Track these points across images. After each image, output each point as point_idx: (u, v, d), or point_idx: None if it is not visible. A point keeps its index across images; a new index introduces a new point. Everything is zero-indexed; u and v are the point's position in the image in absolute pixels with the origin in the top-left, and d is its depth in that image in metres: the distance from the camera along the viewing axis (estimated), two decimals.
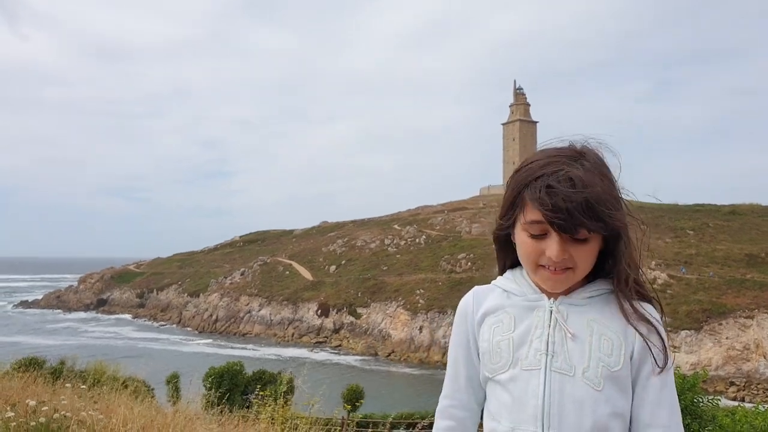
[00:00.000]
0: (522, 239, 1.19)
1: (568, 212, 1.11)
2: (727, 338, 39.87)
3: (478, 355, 1.28)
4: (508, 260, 1.31)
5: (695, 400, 7.65)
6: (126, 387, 8.03)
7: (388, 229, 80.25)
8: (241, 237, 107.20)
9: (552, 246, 1.14)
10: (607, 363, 1.13)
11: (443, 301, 55.62)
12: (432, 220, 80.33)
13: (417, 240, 73.43)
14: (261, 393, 7.43)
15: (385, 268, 68.01)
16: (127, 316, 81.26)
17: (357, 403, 16.33)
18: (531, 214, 1.15)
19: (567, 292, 1.21)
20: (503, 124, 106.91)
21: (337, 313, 62.76)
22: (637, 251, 1.26)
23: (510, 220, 1.23)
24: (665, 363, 1.13)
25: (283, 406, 7.31)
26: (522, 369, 1.17)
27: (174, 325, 73.10)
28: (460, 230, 74.04)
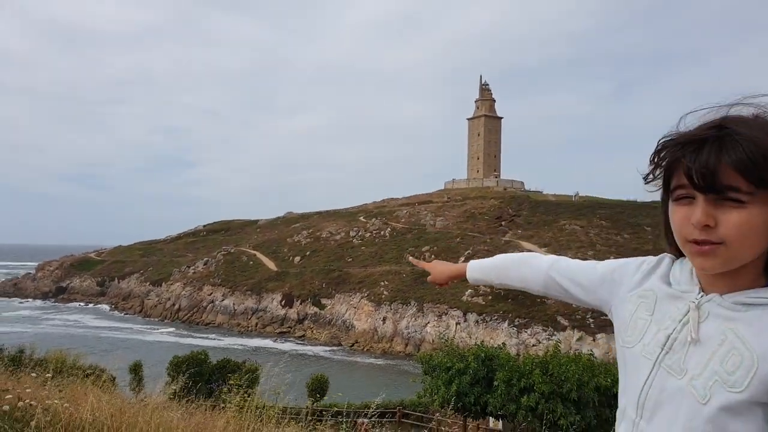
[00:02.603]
0: (671, 210, 1.04)
1: (707, 159, 0.94)
2: None
3: (601, 290, 1.28)
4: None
5: None
6: (88, 376, 7.95)
7: (354, 221, 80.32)
8: (204, 226, 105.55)
9: (696, 210, 0.98)
10: (725, 379, 0.97)
11: (407, 292, 56.13)
12: (397, 212, 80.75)
13: (382, 232, 73.73)
14: (231, 382, 7.47)
15: (350, 260, 68.10)
16: (88, 305, 79.21)
17: (321, 393, 16.44)
18: (675, 179, 1.01)
19: (729, 290, 1.03)
20: (468, 119, 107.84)
21: (301, 303, 62.62)
22: None
23: (664, 196, 1.07)
24: None
25: (250, 395, 7.36)
26: (641, 354, 1.11)
27: (136, 314, 71.66)
28: (424, 223, 74.66)
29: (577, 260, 1.40)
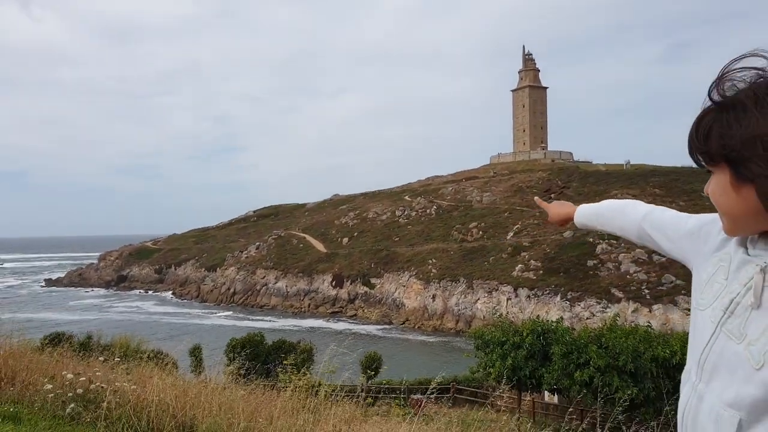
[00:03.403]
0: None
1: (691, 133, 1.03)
2: None
3: (688, 246, 1.25)
4: None
5: None
6: (151, 360, 8.32)
7: (399, 200, 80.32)
8: (254, 212, 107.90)
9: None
10: None
11: (455, 270, 55.94)
12: (443, 190, 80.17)
13: (428, 210, 73.46)
14: (286, 362, 7.66)
15: (396, 239, 68.31)
16: (148, 292, 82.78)
17: (375, 370, 16.68)
18: None
19: None
20: (513, 91, 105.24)
21: (351, 283, 63.43)
22: None
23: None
24: None
25: (304, 374, 7.53)
26: (708, 317, 1.10)
27: (193, 300, 74.40)
28: (470, 199, 73.89)
29: (674, 211, 1.38)
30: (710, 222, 1.20)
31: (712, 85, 1.02)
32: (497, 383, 17.38)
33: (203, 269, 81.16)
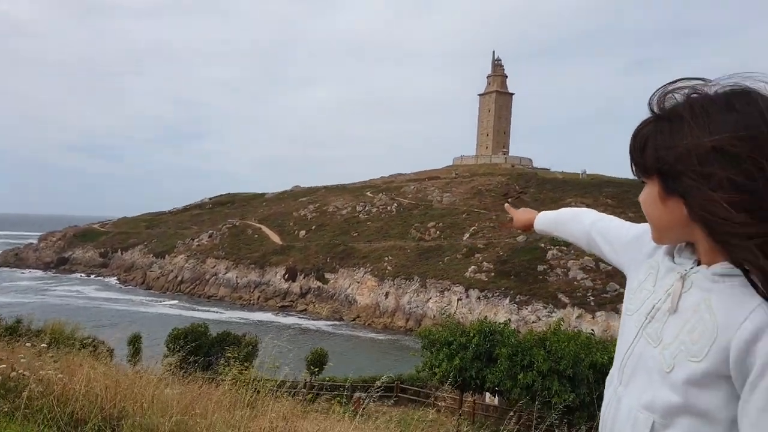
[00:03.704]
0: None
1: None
2: None
3: (623, 254, 1.30)
4: None
5: None
6: (84, 347, 7.97)
7: (361, 195, 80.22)
8: (210, 199, 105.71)
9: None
10: (689, 349, 0.96)
11: (411, 268, 56.32)
12: (405, 188, 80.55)
13: (389, 207, 73.68)
14: (229, 355, 7.49)
15: (355, 235, 68.23)
16: (90, 276, 79.90)
17: (320, 367, 16.56)
18: None
19: (717, 261, 1.00)
20: (480, 95, 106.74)
21: (304, 277, 62.97)
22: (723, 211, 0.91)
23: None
24: (758, 380, 0.87)
25: (247, 368, 7.37)
26: (633, 322, 1.12)
27: (138, 287, 72.27)
28: (431, 199, 74.53)
29: (619, 220, 1.43)
30: (645, 232, 1.22)
31: (651, 98, 1.03)
32: (441, 383, 17.54)
33: (151, 255, 78.94)
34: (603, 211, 1.54)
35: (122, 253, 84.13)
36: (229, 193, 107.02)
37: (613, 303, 43.25)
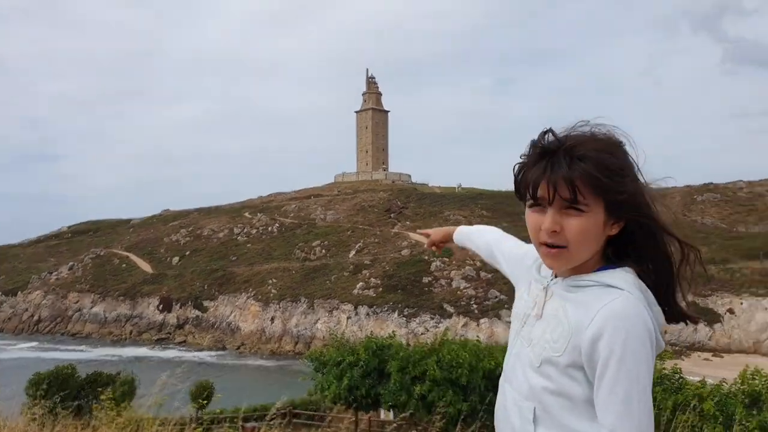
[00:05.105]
0: (527, 215, 1.24)
1: (551, 166, 1.15)
2: None
3: (512, 267, 1.54)
4: None
5: None
6: None
7: (239, 217, 77.59)
8: (69, 227, 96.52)
9: (546, 217, 1.18)
10: (552, 346, 1.20)
11: (297, 289, 55.25)
12: (286, 207, 79.26)
13: (270, 228, 71.97)
14: (104, 397, 6.65)
15: (234, 258, 65.71)
16: None
17: (206, 400, 15.50)
18: (530, 191, 1.21)
19: (571, 275, 1.25)
20: (356, 112, 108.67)
21: (181, 307, 59.37)
22: (669, 258, 1.23)
23: (523, 201, 1.26)
24: (603, 371, 1.10)
25: (125, 408, 6.62)
26: (513, 327, 1.37)
27: None
28: (314, 217, 74.00)
29: (515, 239, 1.63)
30: (529, 250, 1.44)
31: (553, 141, 1.18)
32: (333, 404, 17.22)
33: (0, 293, 70.09)
34: (479, 223, 1.80)
35: None
36: (90, 221, 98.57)
37: (495, 309, 45.57)
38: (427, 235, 2.04)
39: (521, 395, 1.26)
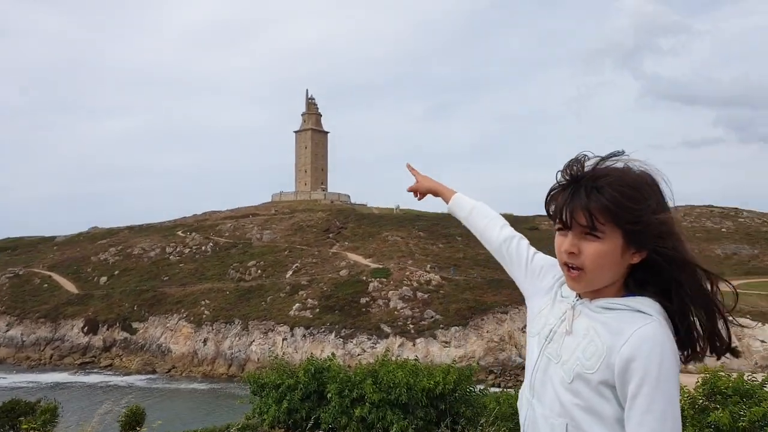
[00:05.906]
0: (555, 238, 1.34)
1: (572, 195, 1.25)
2: (487, 332, 45.79)
3: (528, 281, 1.58)
4: None
5: (469, 390, 8.64)
6: None
7: (171, 236, 74.91)
8: None
9: (566, 240, 1.28)
10: (584, 364, 1.26)
11: (231, 310, 53.76)
12: (221, 226, 77.27)
13: (203, 248, 69.88)
14: (24, 427, 6.28)
15: (166, 279, 63.27)
16: None
17: (138, 425, 14.79)
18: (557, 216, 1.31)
19: (596, 296, 1.33)
20: (296, 132, 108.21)
21: (108, 329, 56.38)
22: (697, 283, 1.29)
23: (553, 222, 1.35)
24: (638, 390, 1.17)
25: None
26: (535, 343, 1.41)
27: None
28: (250, 237, 72.51)
29: (527, 243, 1.68)
30: (551, 264, 1.51)
31: (581, 171, 1.28)
32: (272, 428, 16.82)
33: None
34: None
35: None
36: (9, 238, 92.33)
37: (431, 329, 46.02)
38: (416, 178, 2.03)
39: (553, 412, 1.31)
